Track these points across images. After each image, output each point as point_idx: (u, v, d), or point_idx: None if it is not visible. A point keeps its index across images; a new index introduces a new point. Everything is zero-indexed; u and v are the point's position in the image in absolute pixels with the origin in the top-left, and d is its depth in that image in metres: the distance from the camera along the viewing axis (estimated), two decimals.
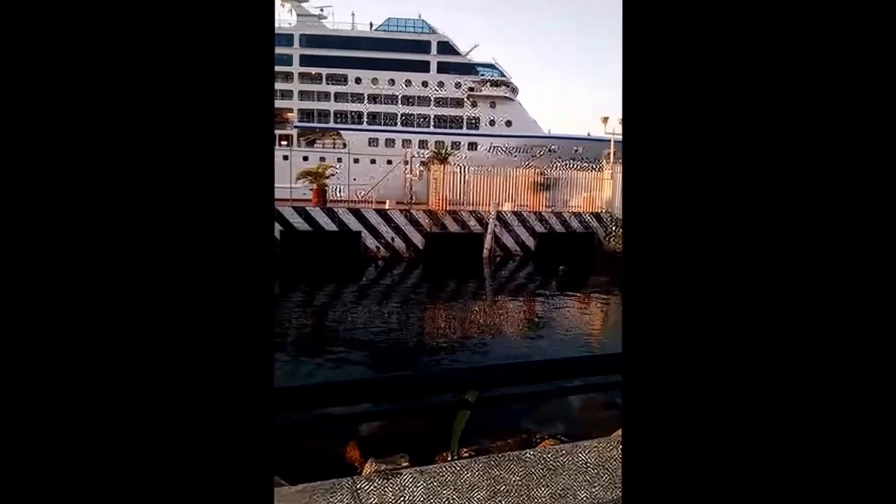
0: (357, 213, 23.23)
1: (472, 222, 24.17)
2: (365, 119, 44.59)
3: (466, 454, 4.40)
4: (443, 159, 28.20)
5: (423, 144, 42.09)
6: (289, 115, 43.82)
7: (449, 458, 3.00)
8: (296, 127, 43.76)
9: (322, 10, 45.03)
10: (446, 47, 45.21)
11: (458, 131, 45.38)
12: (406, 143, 42.26)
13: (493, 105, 45.49)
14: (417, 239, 23.59)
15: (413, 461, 4.86)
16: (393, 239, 23.37)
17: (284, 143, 42.02)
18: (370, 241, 23.17)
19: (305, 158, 34.96)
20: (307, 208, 22.78)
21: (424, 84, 44.83)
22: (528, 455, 2.53)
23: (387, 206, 24.32)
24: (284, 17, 44.42)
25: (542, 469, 2.36)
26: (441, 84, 44.87)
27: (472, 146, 44.52)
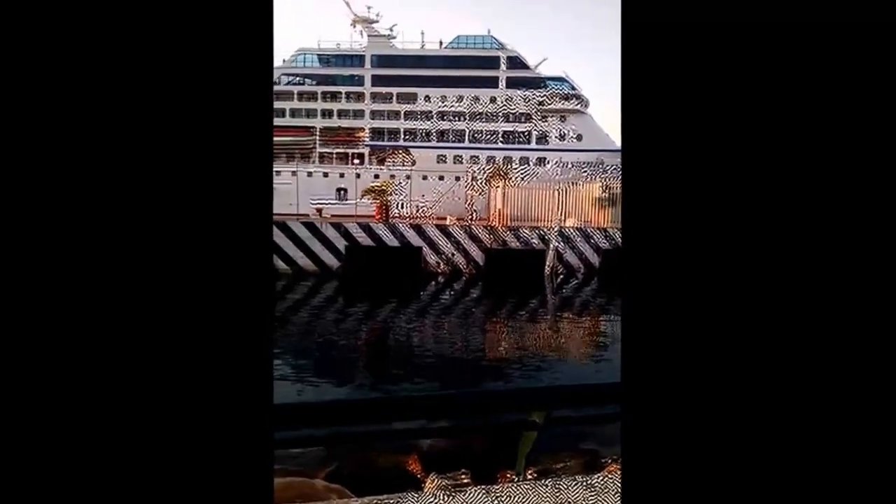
0: (418, 229, 23.48)
1: (534, 239, 23.75)
2: (434, 136, 45.24)
3: (531, 475, 4.24)
4: (503, 175, 28.07)
5: (491, 160, 42.09)
6: (361, 134, 45.22)
7: (514, 479, 2.95)
8: (367, 145, 45.05)
9: (391, 29, 46.42)
10: (515, 62, 45.33)
11: (527, 146, 45.13)
12: (474, 160, 42.45)
13: (563, 119, 45.02)
14: (478, 255, 23.50)
15: (474, 478, 4.82)
16: (453, 254, 23.41)
17: (357, 161, 43.41)
18: (431, 257, 23.23)
19: (376, 176, 35.88)
20: (370, 224, 23.18)
21: (493, 100, 45.01)
22: (597, 480, 2.39)
23: (447, 222, 24.48)
24: (356, 39, 46.20)
25: (614, 496, 2.22)
26: (510, 99, 44.88)
27: (541, 161, 44.10)
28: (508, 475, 4.18)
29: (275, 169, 38.86)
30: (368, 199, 25.58)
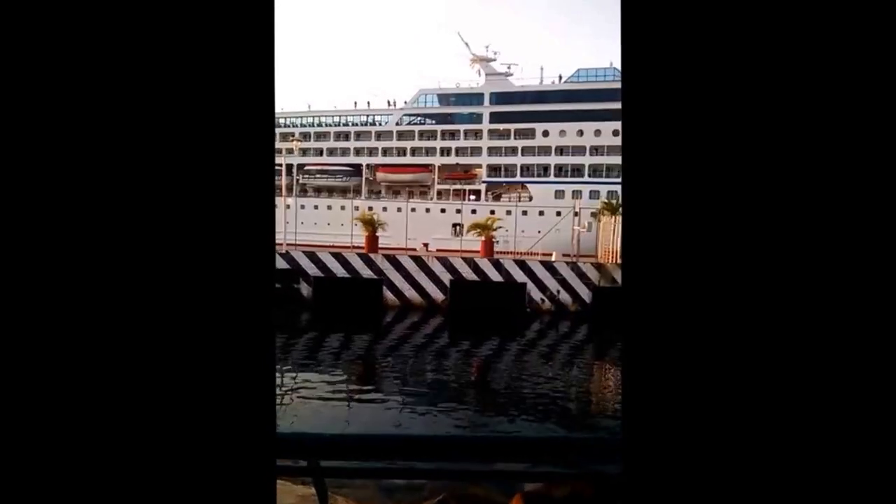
0: (522, 265, 22.92)
1: None
2: (552, 171, 44.59)
3: None
4: (613, 209, 26.63)
5: (611, 195, 40.39)
6: (477, 170, 45.97)
7: None
8: (483, 182, 45.62)
9: (509, 67, 47.04)
10: None
11: None
12: (593, 194, 40.97)
13: None
14: (584, 293, 22.30)
15: None
16: (558, 291, 22.46)
17: (473, 197, 44.09)
18: (535, 294, 22.53)
19: (492, 212, 36.15)
20: (475, 259, 23.16)
21: (615, 133, 43.41)
22: None
23: (552, 259, 23.64)
24: (473, 77, 47.49)
25: None
26: None
27: None
28: None
29: (393, 204, 41.07)
30: (474, 234, 25.74)
